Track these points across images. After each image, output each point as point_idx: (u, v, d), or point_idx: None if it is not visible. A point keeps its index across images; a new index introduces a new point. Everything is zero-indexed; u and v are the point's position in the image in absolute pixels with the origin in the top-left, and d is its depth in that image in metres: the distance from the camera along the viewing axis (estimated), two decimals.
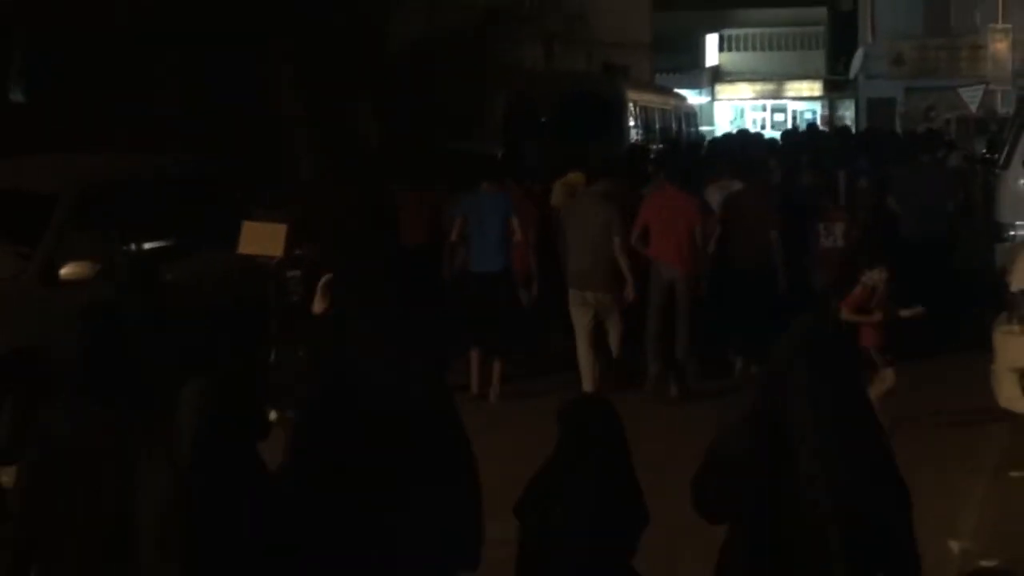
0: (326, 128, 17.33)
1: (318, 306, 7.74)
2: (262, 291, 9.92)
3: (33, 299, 8.89)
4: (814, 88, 49.18)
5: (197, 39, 15.25)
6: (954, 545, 7.02)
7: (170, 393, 4.16)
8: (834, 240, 11.66)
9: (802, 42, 49.48)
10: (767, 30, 49.58)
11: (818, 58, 49.27)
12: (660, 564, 4.66)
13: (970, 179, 16.40)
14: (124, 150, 12.90)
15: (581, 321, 10.36)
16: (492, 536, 4.62)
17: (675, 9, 42.18)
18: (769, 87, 49.65)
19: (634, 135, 23.40)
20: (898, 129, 33.73)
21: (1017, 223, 13.30)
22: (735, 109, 50.27)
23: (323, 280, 5.26)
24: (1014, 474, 8.60)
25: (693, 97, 39.11)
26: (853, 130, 28.58)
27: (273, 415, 8.96)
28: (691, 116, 30.28)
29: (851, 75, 45.70)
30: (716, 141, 23.24)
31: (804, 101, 49.44)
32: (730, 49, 50.20)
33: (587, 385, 10.24)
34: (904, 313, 9.24)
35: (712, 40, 49.78)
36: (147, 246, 9.81)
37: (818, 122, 43.16)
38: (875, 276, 9.15)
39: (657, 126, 25.65)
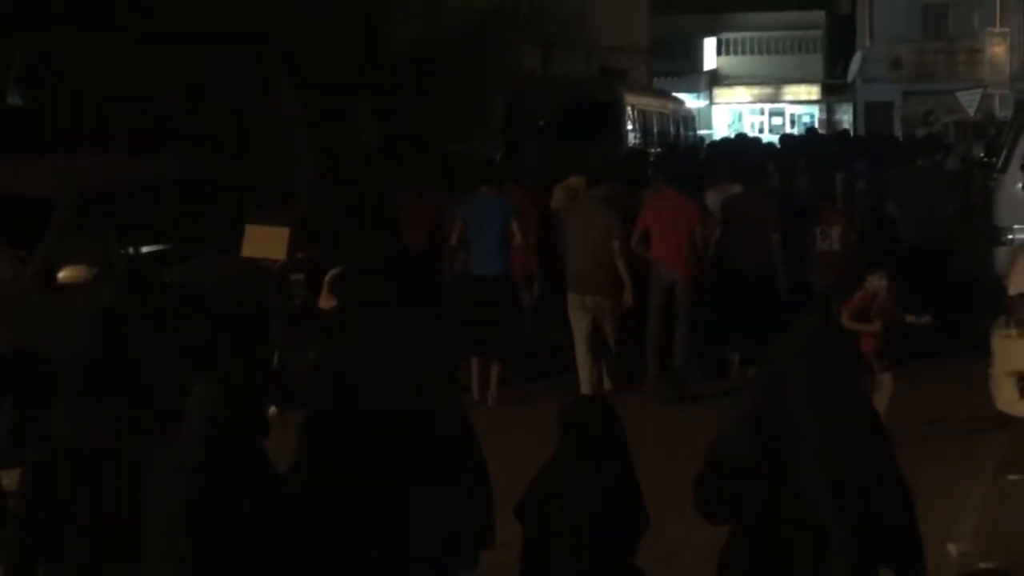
0: (326, 128, 17.32)
1: (324, 302, 7.75)
2: (261, 293, 9.92)
3: (31, 302, 8.90)
4: (812, 92, 49.20)
5: (197, 39, 15.23)
6: (952, 548, 7.01)
7: (171, 394, 4.17)
8: (831, 243, 11.67)
9: (800, 46, 49.49)
10: (765, 34, 49.59)
11: (816, 62, 49.29)
12: (660, 564, 4.66)
13: (969, 183, 16.42)
14: (124, 150, 12.89)
15: (580, 324, 10.39)
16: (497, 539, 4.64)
17: (673, 13, 42.17)
18: (767, 91, 49.67)
19: (632, 139, 23.41)
20: (897, 133, 33.77)
21: (1015, 227, 13.30)
22: (733, 113, 50.28)
23: (330, 275, 5.24)
24: (1012, 477, 8.60)
25: (691, 101, 39.14)
26: (852, 134, 28.58)
27: (272, 410, 9.01)
28: (689, 120, 30.29)
29: (849, 79, 45.76)
30: (715, 145, 23.26)
31: (802, 105, 49.46)
32: (728, 53, 50.22)
33: (585, 388, 10.25)
34: (911, 319, 9.23)
35: (710, 44, 49.80)
36: (146, 248, 9.82)
37: (816, 126, 43.17)
38: (875, 282, 9.14)
39: (655, 130, 25.66)
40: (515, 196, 11.76)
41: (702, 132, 37.03)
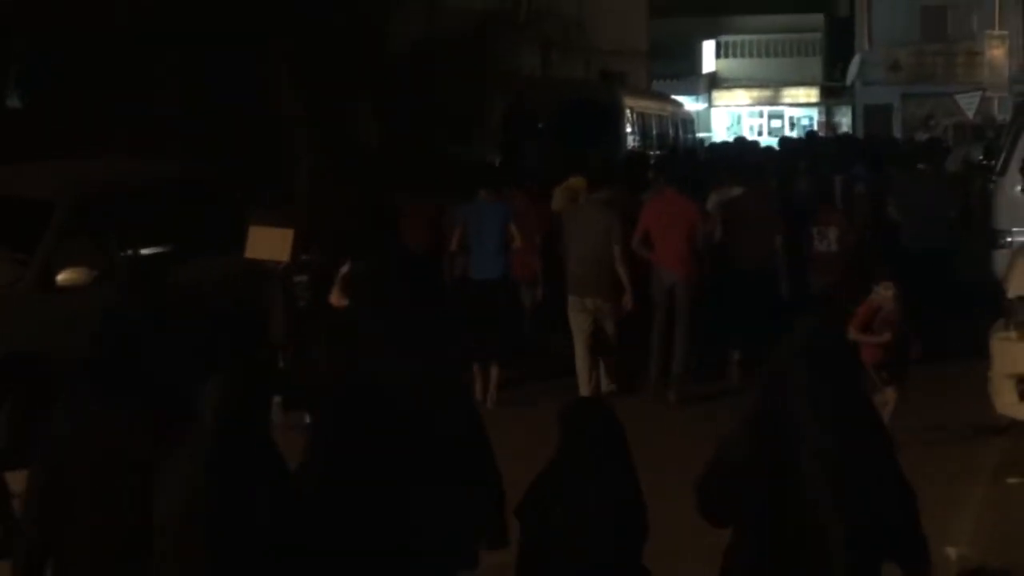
0: (326, 128, 17.32)
1: (336, 299, 7.75)
2: (262, 294, 9.93)
3: (31, 303, 8.91)
4: (811, 95, 49.24)
5: (197, 39, 15.23)
6: (952, 551, 7.02)
7: (176, 393, 4.18)
8: (828, 244, 11.67)
9: (799, 49, 49.52)
10: (764, 37, 49.62)
11: (815, 64, 49.32)
12: (661, 565, 4.66)
13: (968, 185, 16.43)
14: (124, 150, 12.90)
15: (580, 327, 10.40)
16: None
17: (672, 16, 42.18)
18: (766, 93, 49.70)
19: (631, 141, 23.44)
20: (896, 135, 33.79)
21: (1014, 229, 13.30)
22: (732, 115, 50.31)
23: (342, 271, 5.25)
24: (1012, 480, 8.61)
25: (690, 104, 39.14)
26: (853, 138, 28.59)
27: (278, 410, 9.05)
28: (688, 123, 30.30)
29: (848, 81, 45.79)
30: (715, 147, 23.30)
31: (801, 107, 49.50)
32: (727, 56, 50.25)
33: (584, 389, 10.27)
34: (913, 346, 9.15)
35: (709, 47, 49.82)
36: (146, 250, 9.83)
37: (815, 128, 43.20)
38: (882, 292, 9.06)
39: (654, 132, 25.69)
40: (516, 199, 11.80)
41: (701, 135, 37.06)
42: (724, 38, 49.83)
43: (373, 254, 5.46)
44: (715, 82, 49.81)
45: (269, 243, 9.65)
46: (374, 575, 4.31)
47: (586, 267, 10.30)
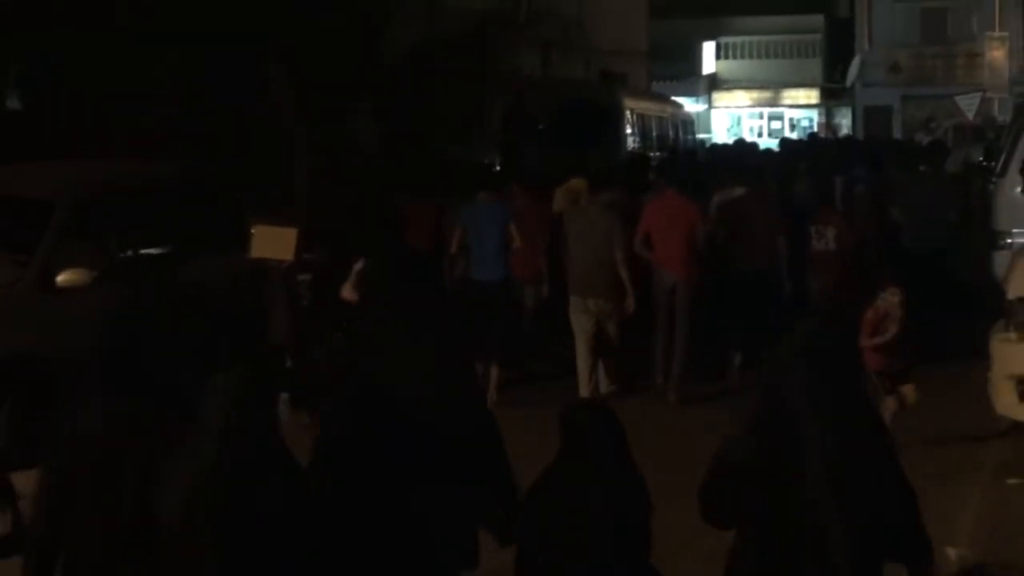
0: (326, 129, 17.33)
1: (348, 293, 7.75)
2: (263, 293, 9.94)
3: (30, 305, 8.90)
4: (811, 96, 49.24)
5: (197, 39, 15.24)
6: (951, 551, 7.02)
7: (181, 392, 4.18)
8: (826, 243, 11.68)
9: (799, 50, 49.52)
10: (764, 38, 49.62)
11: (815, 66, 49.31)
12: (661, 565, 4.65)
13: (968, 187, 16.42)
14: (124, 150, 12.91)
15: (583, 328, 10.41)
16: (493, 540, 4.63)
17: (672, 17, 42.18)
18: (766, 95, 49.70)
19: (631, 143, 23.44)
20: (896, 137, 33.79)
21: (1014, 231, 13.30)
22: (732, 117, 50.32)
23: (357, 267, 5.25)
24: (1012, 480, 8.61)
25: (690, 105, 39.14)
26: (854, 140, 28.59)
27: (284, 397, 9.09)
28: (688, 124, 30.30)
29: (848, 83, 45.79)
30: (716, 147, 23.30)
31: (801, 109, 49.50)
32: (727, 57, 50.25)
33: (584, 390, 10.27)
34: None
35: (709, 48, 49.83)
36: (146, 251, 9.84)
37: (815, 129, 43.20)
38: (889, 298, 9.05)
39: (654, 134, 25.68)
40: (517, 199, 11.82)
41: (701, 136, 37.06)
42: (724, 39, 49.83)
43: (379, 253, 5.46)
44: (715, 83, 49.82)
45: (273, 242, 9.67)
46: (380, 574, 4.31)
47: (587, 268, 10.31)
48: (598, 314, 10.35)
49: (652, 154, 21.46)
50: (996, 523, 7.81)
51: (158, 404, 4.35)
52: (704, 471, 4.24)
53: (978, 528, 7.67)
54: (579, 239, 10.46)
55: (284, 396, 9.23)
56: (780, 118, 49.45)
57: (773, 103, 49.81)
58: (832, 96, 48.26)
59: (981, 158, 19.60)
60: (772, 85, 49.10)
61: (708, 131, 45.51)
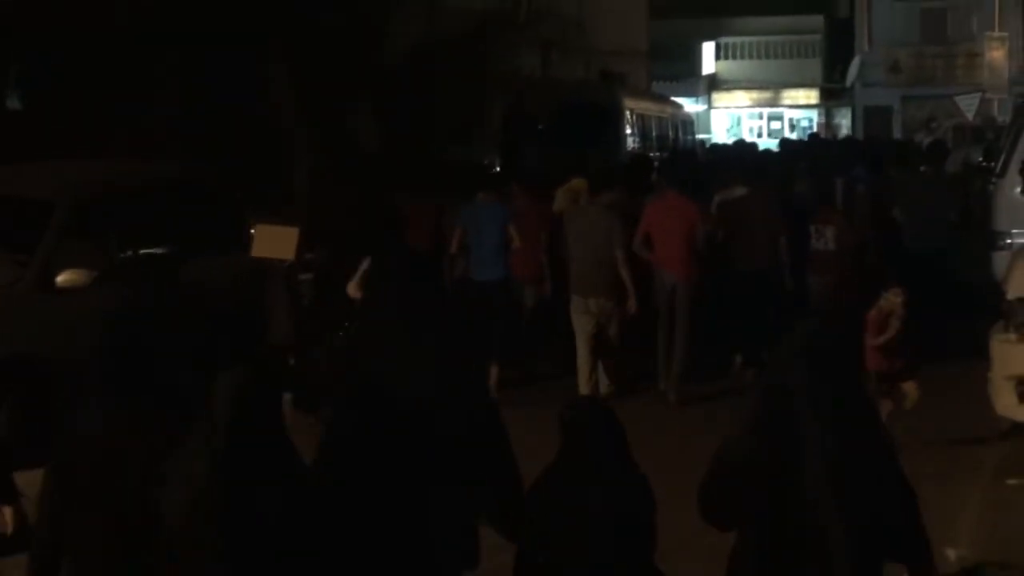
0: (326, 129, 17.35)
1: (354, 291, 7.76)
2: (263, 293, 9.95)
3: (30, 305, 8.91)
4: (811, 96, 49.26)
5: (197, 39, 15.24)
6: (951, 552, 7.02)
7: (185, 392, 4.18)
8: (825, 242, 11.69)
9: (799, 50, 49.54)
10: (764, 38, 49.64)
11: (815, 66, 49.34)
12: (662, 566, 4.65)
13: (968, 187, 16.43)
14: (124, 151, 12.92)
15: (584, 328, 10.42)
16: (494, 540, 4.63)
17: (672, 17, 42.21)
18: (766, 95, 49.72)
19: (631, 143, 23.44)
20: (896, 137, 33.78)
21: (1013, 231, 13.30)
22: (732, 117, 50.34)
23: (364, 266, 5.26)
24: (1011, 481, 8.61)
25: (690, 105, 39.17)
26: (855, 140, 28.58)
27: (287, 397, 9.09)
28: (688, 124, 30.31)
29: (848, 83, 45.81)
30: (717, 147, 23.29)
31: (801, 109, 49.54)
32: (727, 57, 50.27)
33: (583, 388, 10.30)
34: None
35: (709, 48, 49.84)
36: (146, 251, 9.84)
37: (815, 129, 43.21)
38: (892, 299, 9.05)
39: (654, 134, 25.69)
40: (518, 198, 11.83)
41: (701, 136, 37.06)
42: (724, 39, 49.86)
43: (383, 253, 5.46)
44: (715, 84, 49.84)
45: (275, 241, 9.68)
46: (381, 574, 4.31)
47: (587, 268, 10.32)
48: (599, 314, 10.36)
49: (652, 155, 21.45)
50: (996, 523, 7.81)
51: (158, 404, 4.35)
52: (704, 471, 4.24)
53: (978, 528, 7.68)
54: (579, 239, 10.47)
55: (287, 396, 9.23)
56: (780, 118, 49.48)
57: (773, 103, 49.83)
58: (832, 96, 48.29)
59: (981, 159, 19.61)
60: (772, 85, 49.13)
61: (708, 131, 45.54)
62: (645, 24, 37.28)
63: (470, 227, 10.98)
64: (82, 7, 14.63)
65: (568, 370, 10.57)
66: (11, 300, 8.88)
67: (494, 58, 22.57)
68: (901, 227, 13.31)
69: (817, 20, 48.83)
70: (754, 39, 49.74)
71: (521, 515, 4.45)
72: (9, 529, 5.84)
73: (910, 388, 9.01)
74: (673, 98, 31.92)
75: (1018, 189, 13.40)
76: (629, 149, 22.61)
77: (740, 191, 11.94)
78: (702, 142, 32.03)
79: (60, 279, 8.95)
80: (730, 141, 30.79)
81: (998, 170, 14.21)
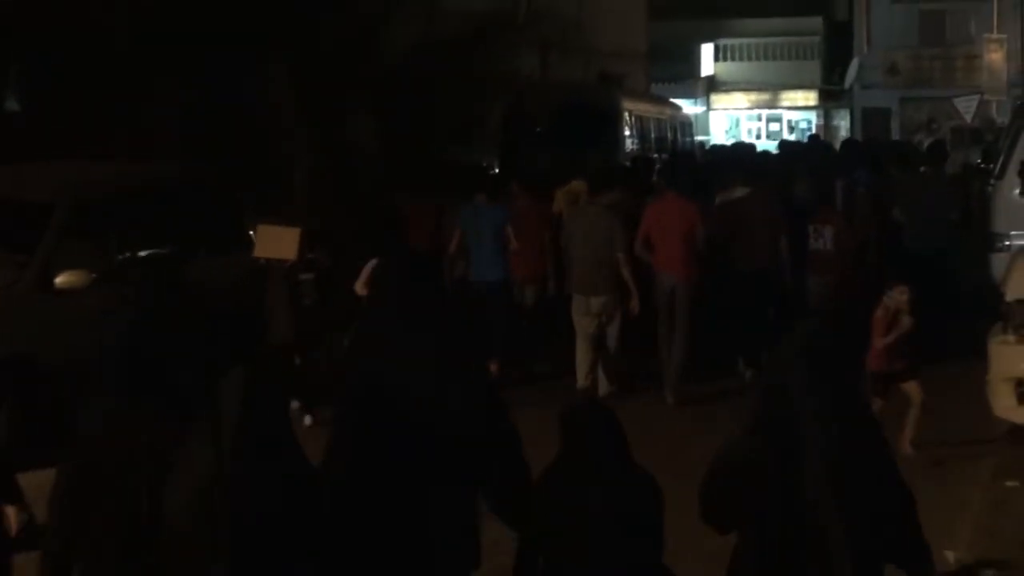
0: (325, 129, 17.34)
1: (361, 288, 7.78)
2: (263, 293, 9.95)
3: (30, 306, 8.91)
4: (809, 98, 49.26)
5: (197, 39, 15.24)
6: (950, 554, 7.03)
7: (190, 392, 4.19)
8: (824, 242, 11.70)
9: (797, 52, 49.54)
10: (762, 40, 49.64)
11: (813, 68, 49.35)
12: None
13: (967, 188, 16.44)
14: (123, 151, 12.92)
15: (585, 328, 10.46)
16: (495, 540, 4.64)
17: (671, 19, 42.18)
18: (764, 97, 49.72)
19: (630, 145, 23.44)
20: (894, 139, 33.79)
21: (1012, 233, 13.30)
22: (731, 119, 50.34)
23: (369, 265, 5.26)
24: (1009, 483, 8.61)
25: (688, 107, 39.14)
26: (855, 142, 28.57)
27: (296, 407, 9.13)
28: (687, 126, 30.30)
29: (846, 85, 45.80)
30: (716, 148, 23.29)
31: (799, 111, 49.54)
32: (726, 59, 50.27)
33: (581, 381, 10.35)
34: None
35: (708, 50, 49.83)
36: (146, 251, 9.85)
37: (813, 130, 43.21)
38: (897, 297, 9.06)
39: (653, 135, 25.67)
40: (518, 198, 11.85)
41: (700, 138, 37.05)
42: (723, 41, 49.85)
43: (385, 253, 5.47)
44: (713, 85, 49.83)
45: (276, 241, 9.70)
46: (382, 574, 4.32)
47: (588, 268, 10.37)
48: (600, 314, 10.39)
49: (651, 156, 21.46)
50: (995, 525, 7.81)
51: (159, 404, 4.35)
52: (704, 471, 4.24)
53: (976, 530, 7.68)
54: (580, 239, 10.50)
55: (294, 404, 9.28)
56: (778, 120, 49.48)
57: (771, 105, 49.83)
58: (830, 98, 48.28)
59: (980, 160, 19.61)
60: (770, 87, 49.12)
61: (706, 133, 45.53)
62: (644, 25, 37.25)
63: (469, 228, 11.03)
64: (82, 7, 14.63)
65: (568, 370, 10.59)
66: (11, 300, 8.89)
67: (493, 59, 22.55)
68: (901, 227, 13.32)
69: (816, 22, 48.83)
70: (753, 41, 49.74)
71: (529, 508, 4.45)
72: (14, 529, 5.85)
73: (912, 389, 9.03)
74: (672, 100, 31.91)
75: (1016, 191, 13.40)
76: (628, 151, 22.60)
77: (740, 191, 11.96)
78: (701, 144, 32.03)
79: (60, 280, 8.96)
80: (729, 143, 30.80)
81: (997, 172, 14.21)
